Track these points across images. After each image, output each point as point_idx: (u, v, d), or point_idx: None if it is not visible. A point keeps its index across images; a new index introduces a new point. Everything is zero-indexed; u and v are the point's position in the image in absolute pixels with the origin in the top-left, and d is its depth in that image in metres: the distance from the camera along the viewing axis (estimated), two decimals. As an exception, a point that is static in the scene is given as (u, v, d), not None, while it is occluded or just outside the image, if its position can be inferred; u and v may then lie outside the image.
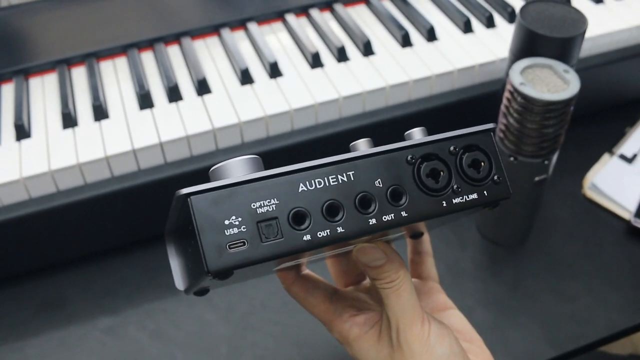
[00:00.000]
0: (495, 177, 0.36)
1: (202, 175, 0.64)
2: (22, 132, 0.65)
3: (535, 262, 0.66)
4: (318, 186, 0.34)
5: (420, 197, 0.35)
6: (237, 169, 0.34)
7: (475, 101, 0.70)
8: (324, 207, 0.34)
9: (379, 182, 0.35)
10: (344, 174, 0.34)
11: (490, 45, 0.72)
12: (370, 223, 0.34)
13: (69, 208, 0.62)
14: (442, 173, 0.36)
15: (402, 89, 0.68)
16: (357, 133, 0.67)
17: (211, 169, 0.35)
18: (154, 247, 0.69)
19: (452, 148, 0.36)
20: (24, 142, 0.64)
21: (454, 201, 0.36)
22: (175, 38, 0.75)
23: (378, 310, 0.46)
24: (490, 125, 0.37)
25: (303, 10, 0.78)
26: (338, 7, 0.78)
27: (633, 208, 0.69)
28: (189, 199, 0.32)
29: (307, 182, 0.34)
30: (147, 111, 0.67)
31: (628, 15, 0.76)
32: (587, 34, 0.73)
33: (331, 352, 0.60)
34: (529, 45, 0.59)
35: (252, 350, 0.61)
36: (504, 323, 0.62)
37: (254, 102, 0.66)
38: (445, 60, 0.70)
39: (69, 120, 0.66)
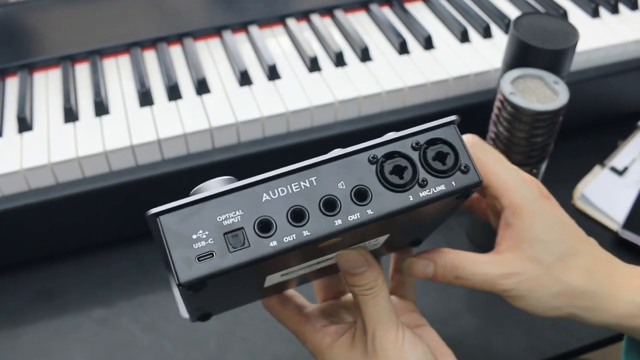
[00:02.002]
0: (463, 167, 0.37)
1: (198, 173, 0.65)
2: (24, 124, 0.66)
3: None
4: (281, 194, 0.35)
5: (385, 195, 0.36)
6: (214, 188, 0.35)
7: (469, 109, 0.71)
8: (288, 213, 0.34)
9: (342, 184, 0.36)
10: (307, 180, 0.35)
11: (486, 55, 0.74)
12: (336, 224, 0.35)
13: (68, 200, 0.64)
14: (406, 169, 0.36)
15: (397, 95, 0.70)
16: (352, 137, 0.68)
17: (191, 191, 0.36)
18: (149, 242, 0.70)
19: (414, 144, 0.37)
20: (26, 134, 0.66)
21: (421, 194, 0.36)
22: (178, 38, 0.77)
23: (350, 322, 0.47)
24: (451, 118, 0.38)
25: (304, 15, 0.80)
26: (338, 13, 0.80)
27: (621, 220, 0.70)
28: (157, 219, 0.34)
29: (270, 192, 0.35)
30: (147, 108, 0.68)
31: (624, 30, 0.78)
32: (583, 47, 0.75)
33: (318, 350, 0.61)
34: (521, 56, 0.60)
35: (241, 345, 0.62)
36: (488, 328, 0.63)
37: (252, 103, 0.68)
38: (441, 69, 0.72)
39: (70, 114, 0.67)
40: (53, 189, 0.64)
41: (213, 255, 0.33)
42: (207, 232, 0.34)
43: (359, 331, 0.43)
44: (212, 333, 0.63)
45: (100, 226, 0.68)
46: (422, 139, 0.37)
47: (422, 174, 0.36)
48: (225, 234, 0.34)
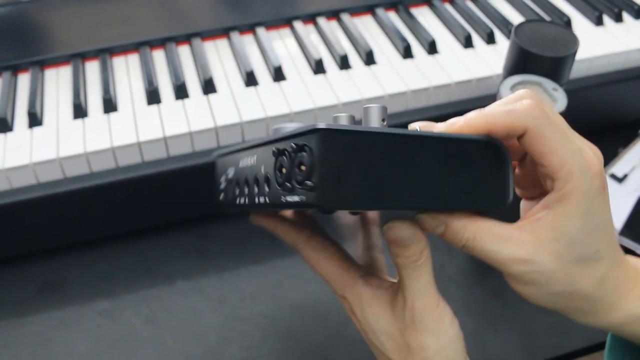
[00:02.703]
0: (309, 183, 0.32)
1: (203, 170, 0.67)
2: (34, 119, 0.68)
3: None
4: (247, 164, 0.41)
5: (275, 189, 0.36)
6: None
7: (470, 114, 0.72)
8: (247, 179, 0.41)
9: (262, 168, 0.38)
10: (254, 157, 0.40)
11: (489, 60, 0.75)
12: (254, 202, 0.39)
13: (74, 194, 0.65)
14: (284, 170, 0.35)
15: (400, 98, 0.71)
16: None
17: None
18: (154, 238, 0.72)
19: (291, 146, 0.34)
20: (36, 129, 0.68)
21: (286, 199, 0.35)
22: (186, 38, 0.78)
23: (388, 280, 0.45)
24: (318, 126, 0.32)
25: (311, 18, 0.81)
26: (344, 17, 0.81)
27: (619, 227, 0.71)
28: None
29: (243, 159, 0.42)
30: (154, 106, 0.70)
31: (627, 39, 0.78)
32: (586, 55, 0.76)
33: (315, 346, 0.62)
34: (521, 62, 0.61)
35: (240, 340, 0.63)
36: (484, 329, 0.64)
37: (257, 103, 0.69)
38: (444, 73, 0.73)
39: (79, 111, 0.69)
40: (61, 183, 0.65)
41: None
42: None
43: (400, 296, 0.41)
44: (211, 327, 0.64)
45: (105, 221, 0.70)
46: (297, 142, 0.34)
47: (290, 178, 0.34)
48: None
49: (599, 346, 0.63)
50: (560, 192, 0.37)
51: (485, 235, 0.38)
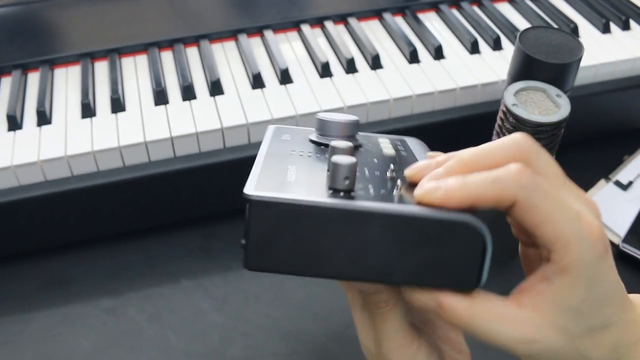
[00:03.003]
0: (242, 242, 0.33)
1: (209, 171, 0.67)
2: (43, 118, 0.69)
3: (522, 278, 0.68)
4: None
5: None
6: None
7: (475, 119, 0.73)
8: None
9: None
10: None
11: (495, 66, 0.75)
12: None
13: (81, 192, 0.66)
14: None
15: (405, 102, 0.71)
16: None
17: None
18: (158, 236, 0.72)
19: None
20: (44, 127, 0.68)
21: None
22: (195, 40, 0.79)
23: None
24: (247, 193, 0.33)
25: (318, 22, 0.82)
26: (352, 21, 0.82)
27: (623, 233, 0.71)
28: None
29: None
30: (161, 107, 0.70)
31: (634, 46, 0.79)
32: (592, 62, 0.76)
33: (317, 347, 0.63)
34: (526, 68, 0.62)
35: (242, 340, 0.64)
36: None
37: (263, 105, 0.70)
38: (450, 78, 0.73)
39: (87, 110, 0.70)
40: (68, 181, 0.66)
41: None
42: None
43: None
44: (215, 327, 0.65)
45: (111, 219, 0.71)
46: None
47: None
48: None
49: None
50: (558, 265, 0.34)
51: (485, 316, 0.34)
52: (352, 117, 0.44)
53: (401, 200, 0.34)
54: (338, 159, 0.34)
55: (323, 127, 0.44)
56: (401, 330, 0.39)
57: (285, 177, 0.36)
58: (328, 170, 0.37)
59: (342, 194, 0.34)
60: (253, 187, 0.34)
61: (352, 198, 0.33)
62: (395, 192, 0.36)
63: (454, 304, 0.34)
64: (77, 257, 0.71)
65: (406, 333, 0.39)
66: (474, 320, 0.34)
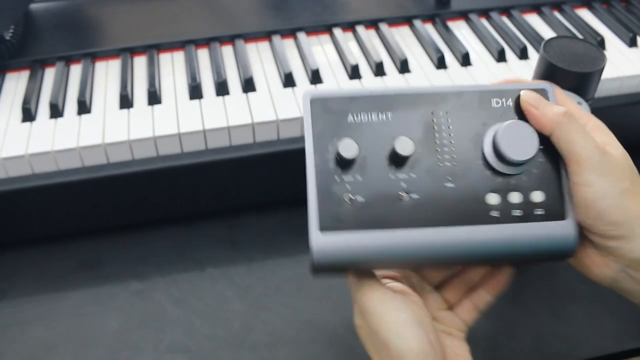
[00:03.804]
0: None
1: (238, 163, 0.70)
2: (83, 107, 0.72)
3: (537, 281, 0.70)
4: None
5: None
6: None
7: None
8: None
9: None
10: None
11: (520, 74, 0.77)
12: None
13: (116, 179, 0.69)
14: None
15: (430, 106, 0.73)
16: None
17: None
18: (187, 226, 0.75)
19: None
20: (84, 116, 0.72)
21: None
22: (230, 39, 0.82)
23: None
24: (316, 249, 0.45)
25: (350, 26, 0.85)
26: (383, 26, 0.84)
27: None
28: None
29: None
30: (195, 101, 0.73)
31: (659, 61, 0.80)
32: (617, 74, 0.77)
33: (333, 338, 0.65)
34: (549, 76, 0.63)
35: (262, 327, 0.66)
36: (499, 333, 0.66)
37: (293, 103, 0.72)
38: (475, 83, 0.75)
39: (125, 101, 0.73)
40: (104, 167, 0.69)
41: None
42: None
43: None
44: (236, 313, 0.67)
45: (143, 206, 0.74)
46: None
47: None
48: None
49: (610, 358, 0.64)
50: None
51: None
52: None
53: None
54: None
55: None
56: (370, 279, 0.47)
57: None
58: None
59: None
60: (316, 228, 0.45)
61: None
62: None
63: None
64: (110, 241, 0.74)
65: (373, 282, 0.47)
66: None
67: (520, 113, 0.48)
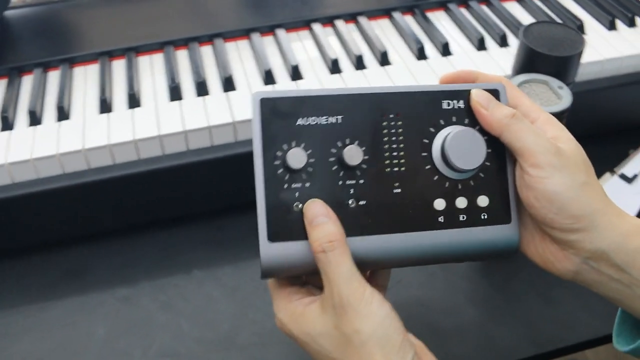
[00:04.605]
0: None
1: (220, 164, 0.69)
2: (62, 113, 0.72)
3: (525, 266, 0.70)
4: None
5: None
6: None
7: (482, 114, 0.74)
8: None
9: None
10: None
11: (501, 62, 0.77)
12: None
13: (98, 185, 0.68)
14: None
15: (412, 97, 0.73)
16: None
17: None
18: (172, 228, 0.74)
19: None
20: (63, 122, 0.71)
21: None
22: (209, 39, 0.82)
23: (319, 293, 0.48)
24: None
25: (329, 21, 0.84)
26: (362, 20, 0.84)
27: (629, 226, 0.72)
28: None
29: None
30: (176, 102, 0.73)
31: (639, 42, 0.80)
32: (597, 57, 0.77)
33: (325, 335, 0.64)
34: (529, 62, 0.63)
35: (252, 327, 0.65)
36: (490, 321, 0.65)
37: (274, 100, 0.72)
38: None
39: (105, 105, 0.72)
40: (85, 173, 0.68)
41: None
42: None
43: (325, 296, 0.45)
44: (225, 314, 0.66)
45: (127, 211, 0.73)
46: None
47: None
48: None
49: (602, 340, 0.64)
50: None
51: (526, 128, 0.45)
52: None
53: None
54: None
55: None
56: (355, 273, 0.43)
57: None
58: None
59: None
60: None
61: None
62: None
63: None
64: (95, 248, 0.73)
65: (358, 276, 0.44)
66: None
67: (471, 114, 0.47)
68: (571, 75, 0.63)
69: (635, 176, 0.76)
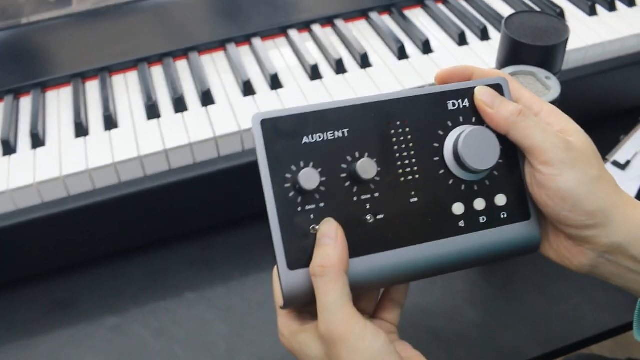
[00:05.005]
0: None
1: (204, 181, 0.67)
2: (37, 140, 0.69)
3: (525, 264, 0.68)
4: None
5: None
6: None
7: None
8: None
9: None
10: None
11: (484, 56, 0.75)
12: None
13: (79, 212, 0.66)
14: None
15: (396, 98, 0.71)
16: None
17: None
18: (159, 251, 0.72)
19: None
20: (39, 149, 0.69)
21: None
22: (184, 53, 0.79)
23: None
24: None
25: (305, 26, 0.82)
26: (339, 23, 0.82)
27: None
28: None
29: None
30: (154, 121, 0.70)
31: (621, 26, 0.78)
32: (580, 44, 0.76)
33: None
34: (513, 53, 0.62)
35: (249, 348, 0.63)
36: (492, 322, 0.63)
37: (255, 111, 0.69)
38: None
39: (80, 129, 0.70)
40: (65, 201, 0.66)
41: None
42: None
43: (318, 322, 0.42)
44: (220, 336, 0.64)
45: (111, 237, 0.70)
46: None
47: None
48: None
49: (610, 333, 0.62)
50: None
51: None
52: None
53: None
54: None
55: None
56: (346, 304, 0.41)
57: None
58: None
59: None
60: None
61: None
62: None
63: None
64: (80, 277, 0.71)
65: (350, 307, 0.41)
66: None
67: (478, 113, 0.46)
68: (558, 65, 0.62)
69: (628, 162, 0.75)
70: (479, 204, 0.45)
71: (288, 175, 0.42)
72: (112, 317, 0.67)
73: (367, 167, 0.42)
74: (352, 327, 0.40)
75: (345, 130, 0.44)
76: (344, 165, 0.43)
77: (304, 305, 0.44)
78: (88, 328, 0.66)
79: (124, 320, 0.67)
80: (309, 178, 0.41)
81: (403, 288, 0.49)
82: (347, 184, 0.43)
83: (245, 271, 0.70)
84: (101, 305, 0.68)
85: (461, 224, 0.45)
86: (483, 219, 0.45)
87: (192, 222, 0.73)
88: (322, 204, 0.43)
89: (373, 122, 0.44)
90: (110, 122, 0.70)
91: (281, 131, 0.43)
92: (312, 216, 0.42)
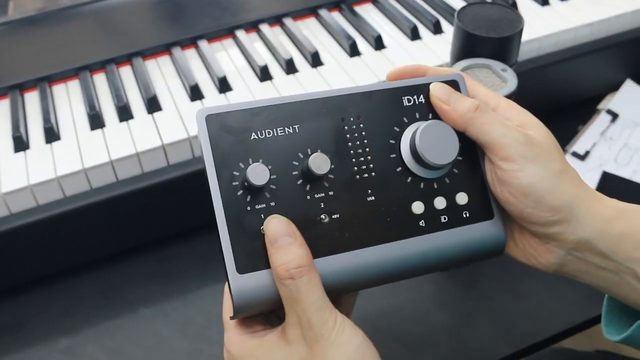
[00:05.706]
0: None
1: (154, 191, 0.64)
2: (-27, 157, 0.65)
3: (491, 263, 0.66)
4: None
5: None
6: None
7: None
8: None
9: None
10: None
11: (437, 50, 0.73)
12: None
13: (22, 230, 0.62)
14: None
15: (350, 97, 0.69)
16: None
17: None
18: (109, 266, 0.69)
19: None
20: (-25, 167, 0.65)
21: None
22: (127, 59, 0.76)
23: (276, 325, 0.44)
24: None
25: (253, 26, 0.80)
26: (287, 21, 0.79)
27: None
28: None
29: None
30: (98, 131, 0.67)
31: (574, 16, 0.78)
32: (534, 35, 0.75)
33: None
34: (467, 46, 0.60)
35: (210, 362, 0.61)
36: (459, 323, 0.62)
37: (204, 116, 0.67)
38: (393, 67, 0.71)
39: (20, 143, 0.66)
40: (6, 219, 0.62)
41: None
42: None
43: (290, 325, 0.40)
44: (180, 352, 0.61)
45: (59, 254, 0.67)
46: None
47: None
48: None
49: (578, 328, 0.61)
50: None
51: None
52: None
53: None
54: None
55: None
56: (326, 301, 0.39)
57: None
58: None
59: None
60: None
61: None
62: None
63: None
64: (28, 298, 0.67)
65: (329, 304, 0.39)
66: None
67: (434, 109, 0.44)
68: (513, 56, 0.61)
69: (587, 153, 0.74)
70: (440, 202, 0.43)
71: (236, 173, 0.40)
72: (64, 339, 0.63)
73: (319, 162, 0.40)
74: (335, 322, 0.39)
75: (297, 126, 0.42)
76: (295, 163, 0.41)
77: (255, 312, 0.42)
78: (39, 352, 0.63)
79: (77, 341, 0.63)
80: (258, 173, 0.39)
81: (351, 297, 0.47)
82: (300, 181, 0.41)
83: (204, 282, 0.67)
84: (52, 327, 0.65)
85: (422, 223, 0.43)
86: (444, 219, 0.43)
87: (145, 234, 0.70)
88: (272, 203, 0.40)
89: (325, 117, 0.42)
90: (51, 134, 0.67)
91: (228, 127, 0.41)
92: (262, 216, 0.40)
